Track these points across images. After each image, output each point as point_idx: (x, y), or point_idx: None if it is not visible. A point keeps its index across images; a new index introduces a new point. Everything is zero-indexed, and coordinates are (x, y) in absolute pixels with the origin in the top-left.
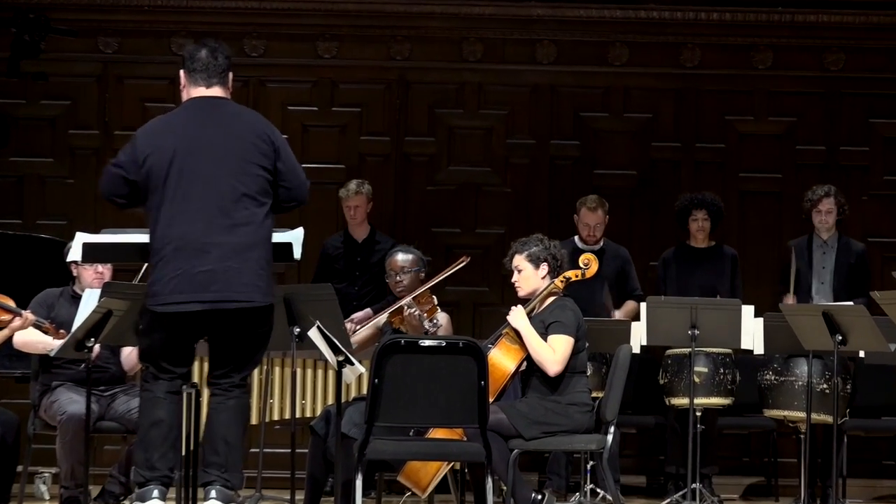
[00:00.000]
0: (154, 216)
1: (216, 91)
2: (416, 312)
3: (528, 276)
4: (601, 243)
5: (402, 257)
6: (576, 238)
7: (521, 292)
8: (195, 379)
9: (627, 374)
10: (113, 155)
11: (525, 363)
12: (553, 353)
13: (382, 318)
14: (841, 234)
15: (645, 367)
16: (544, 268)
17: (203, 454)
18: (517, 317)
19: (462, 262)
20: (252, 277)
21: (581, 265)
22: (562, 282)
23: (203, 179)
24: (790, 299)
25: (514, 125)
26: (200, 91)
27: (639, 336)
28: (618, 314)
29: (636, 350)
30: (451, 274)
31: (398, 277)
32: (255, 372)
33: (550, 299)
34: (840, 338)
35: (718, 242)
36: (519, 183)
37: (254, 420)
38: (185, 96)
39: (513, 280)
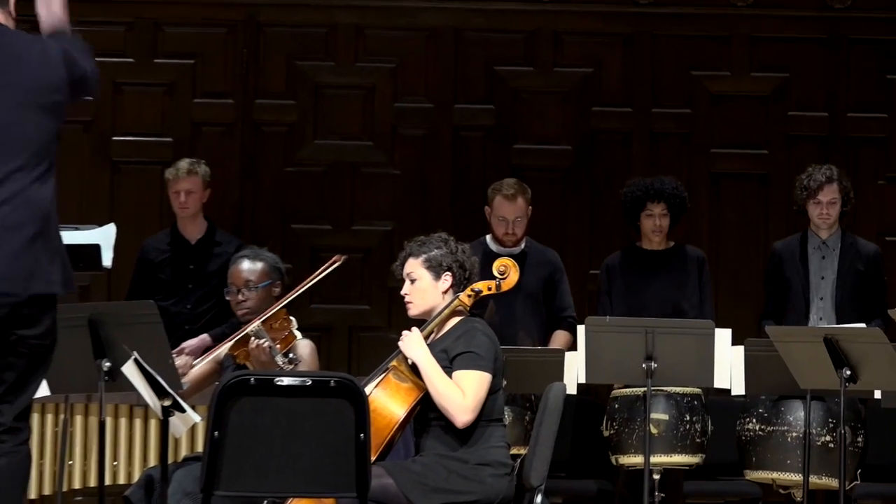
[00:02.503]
0: None
1: None
2: (266, 344)
3: (425, 288)
4: (522, 244)
5: (247, 266)
6: (488, 238)
7: (413, 310)
8: None
9: (560, 423)
10: None
11: (419, 407)
12: (462, 396)
13: (224, 348)
14: (846, 232)
15: (583, 414)
16: (447, 279)
17: None
18: (413, 344)
19: (335, 262)
20: (24, 263)
21: (496, 274)
22: (469, 296)
23: None
24: None
25: (405, 83)
26: None
27: (575, 371)
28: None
29: (571, 390)
30: (320, 281)
31: (241, 295)
32: (49, 422)
33: (454, 321)
34: (848, 372)
35: (680, 243)
36: (411, 162)
37: (47, 489)
38: None
39: (403, 293)
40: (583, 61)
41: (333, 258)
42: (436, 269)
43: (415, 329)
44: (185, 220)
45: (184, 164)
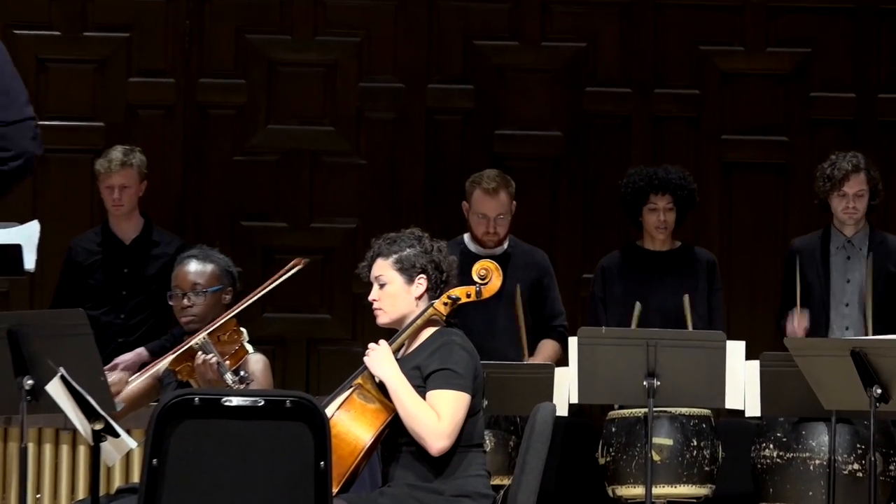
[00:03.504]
0: None
1: None
2: (213, 360)
3: (396, 293)
4: (506, 245)
5: (195, 268)
6: (466, 237)
7: (383, 318)
8: None
9: (549, 450)
10: None
11: (388, 431)
12: (437, 419)
13: (164, 363)
14: (874, 229)
15: (576, 439)
16: (421, 283)
17: None
18: (380, 359)
19: (295, 266)
20: None
21: (475, 278)
22: (445, 304)
23: None
24: (799, 321)
25: (372, 60)
26: None
27: (566, 389)
28: (534, 360)
29: (562, 411)
30: (277, 287)
31: (187, 300)
32: None
33: (428, 332)
34: (879, 391)
35: (688, 243)
36: (379, 151)
37: None
38: None
39: (371, 298)
40: (575, 35)
41: (293, 261)
42: (408, 271)
43: (383, 342)
44: (119, 217)
45: (117, 153)
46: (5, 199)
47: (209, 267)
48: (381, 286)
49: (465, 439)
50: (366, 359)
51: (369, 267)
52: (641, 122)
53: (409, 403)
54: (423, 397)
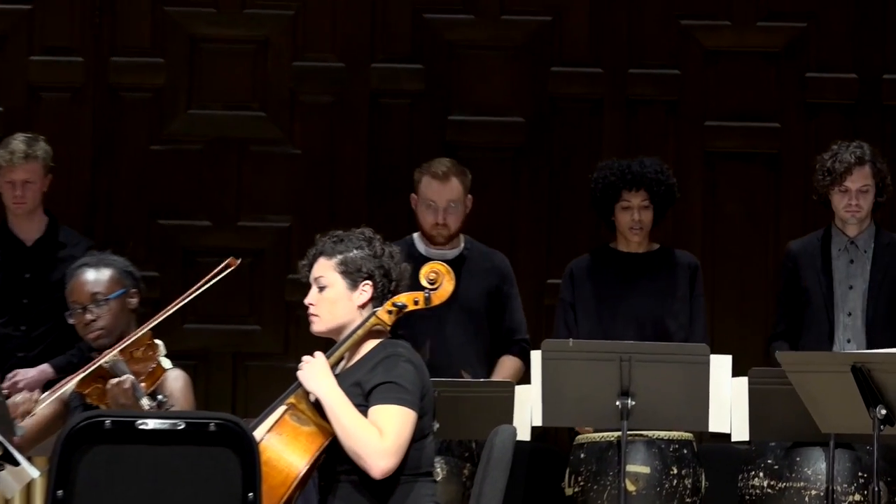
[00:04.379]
0: None
1: None
2: (127, 382)
3: (336, 298)
4: (461, 245)
5: (91, 277)
6: (415, 237)
7: (318, 325)
8: None
9: (509, 479)
10: None
11: (325, 456)
12: (379, 436)
13: (70, 385)
14: (880, 229)
15: (540, 466)
16: (366, 290)
17: None
18: (315, 374)
19: (227, 267)
20: None
21: (424, 283)
22: (389, 313)
23: None
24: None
25: (308, 36)
26: None
27: (528, 410)
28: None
29: (524, 436)
30: (200, 294)
31: (89, 313)
32: None
33: (370, 344)
34: (883, 412)
35: (667, 245)
36: (315, 139)
37: None
38: None
39: (307, 301)
40: (538, 7)
41: (226, 261)
42: (352, 275)
43: (319, 354)
44: (21, 216)
45: (18, 144)
46: None
47: (105, 272)
48: (321, 289)
49: (413, 466)
50: (299, 373)
51: (310, 266)
52: (614, 107)
53: (346, 420)
54: (365, 414)
